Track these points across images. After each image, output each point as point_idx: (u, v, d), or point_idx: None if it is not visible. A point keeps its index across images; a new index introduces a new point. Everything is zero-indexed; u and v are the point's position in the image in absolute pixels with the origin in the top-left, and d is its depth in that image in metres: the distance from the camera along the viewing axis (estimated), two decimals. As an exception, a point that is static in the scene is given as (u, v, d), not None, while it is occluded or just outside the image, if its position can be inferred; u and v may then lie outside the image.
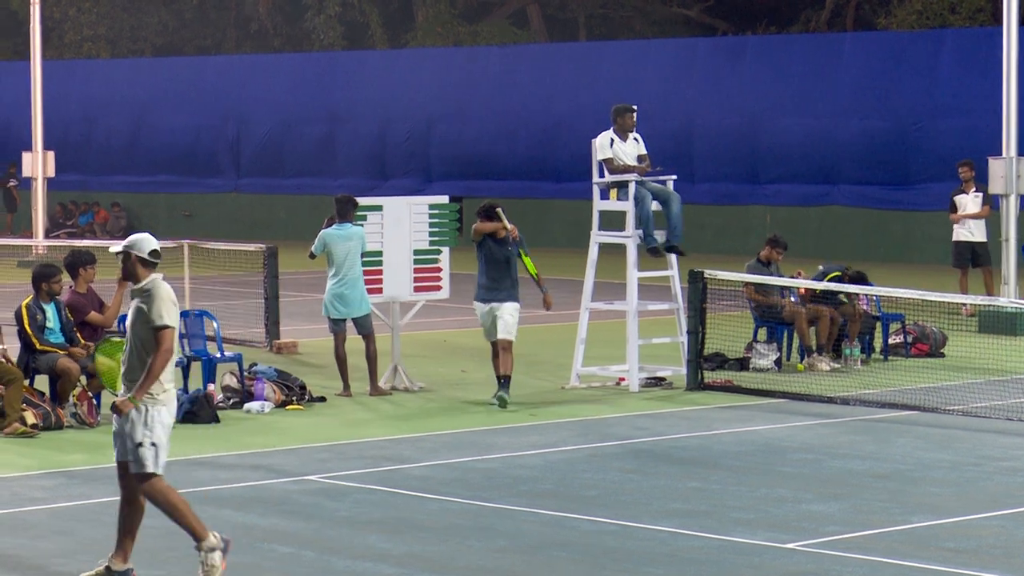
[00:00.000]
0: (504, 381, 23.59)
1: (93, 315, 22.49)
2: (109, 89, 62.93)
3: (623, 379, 25.46)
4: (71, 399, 22.04)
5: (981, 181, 34.34)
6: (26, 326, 22.10)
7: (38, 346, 22.03)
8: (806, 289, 27.71)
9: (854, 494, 18.10)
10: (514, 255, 24.09)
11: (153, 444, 14.36)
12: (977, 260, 35.06)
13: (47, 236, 48.44)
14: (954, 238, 35.31)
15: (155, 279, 14.84)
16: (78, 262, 22.72)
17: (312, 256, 25.19)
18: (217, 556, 14.38)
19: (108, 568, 14.52)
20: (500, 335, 23.76)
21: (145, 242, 14.87)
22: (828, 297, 27.85)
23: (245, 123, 60.31)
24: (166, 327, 14.47)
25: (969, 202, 35.09)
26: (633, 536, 16.16)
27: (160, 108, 61.75)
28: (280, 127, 59.39)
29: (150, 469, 14.37)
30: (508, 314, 23.82)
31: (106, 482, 18.58)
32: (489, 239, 24.09)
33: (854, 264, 30.56)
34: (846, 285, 28.10)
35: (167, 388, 14.48)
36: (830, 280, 27.84)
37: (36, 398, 22.01)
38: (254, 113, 60.08)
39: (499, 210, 24.23)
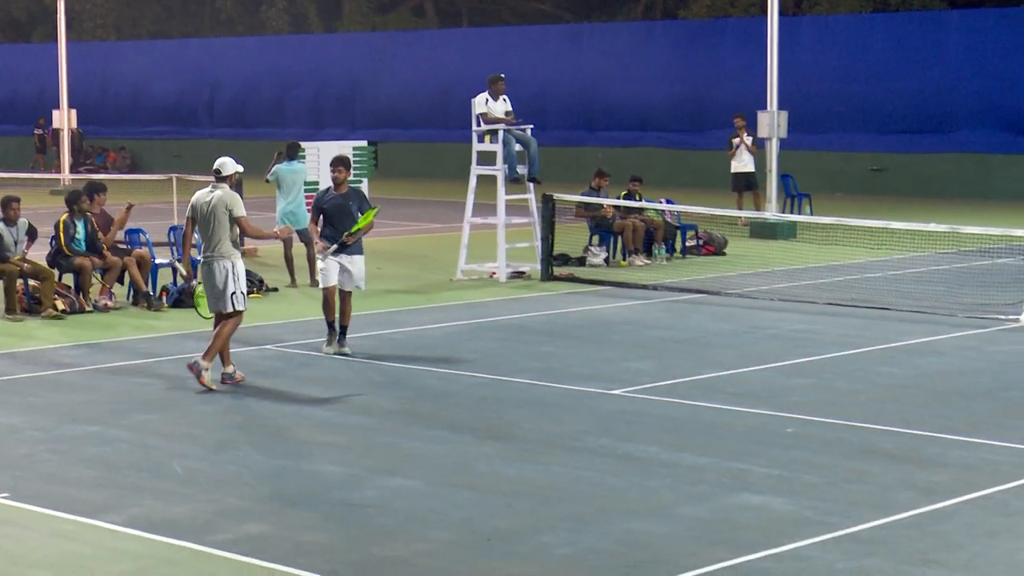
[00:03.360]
0: (344, 331, 18.22)
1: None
2: (116, 64, 62.44)
3: (495, 273, 25.50)
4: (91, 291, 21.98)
5: (751, 128, 34.58)
6: (60, 236, 21.97)
7: (66, 252, 21.92)
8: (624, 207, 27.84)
9: (661, 355, 18.24)
10: (355, 207, 18.24)
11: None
12: (749, 186, 35.33)
13: (72, 172, 47.89)
14: (732, 170, 35.57)
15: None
16: (92, 190, 22.64)
17: (267, 181, 25.43)
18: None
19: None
20: (348, 286, 18.14)
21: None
22: (638, 211, 28.08)
23: (217, 88, 59.95)
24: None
25: (742, 143, 35.37)
26: (504, 387, 16.23)
27: (154, 77, 61.32)
28: (243, 91, 59.11)
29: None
30: (358, 267, 18.16)
31: (120, 351, 18.54)
32: (332, 192, 18.44)
33: (662, 189, 30.66)
34: (655, 204, 28.26)
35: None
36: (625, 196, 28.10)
37: (64, 290, 21.89)
38: (223, 81, 59.75)
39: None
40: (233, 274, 16.24)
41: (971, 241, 28.10)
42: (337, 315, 18.15)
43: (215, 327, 16.43)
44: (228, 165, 16.56)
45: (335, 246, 17.99)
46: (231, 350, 16.68)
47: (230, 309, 16.28)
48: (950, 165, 43.21)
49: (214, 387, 15.89)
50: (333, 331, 18.19)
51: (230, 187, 16.54)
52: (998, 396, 15.66)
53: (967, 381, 16.44)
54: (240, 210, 16.37)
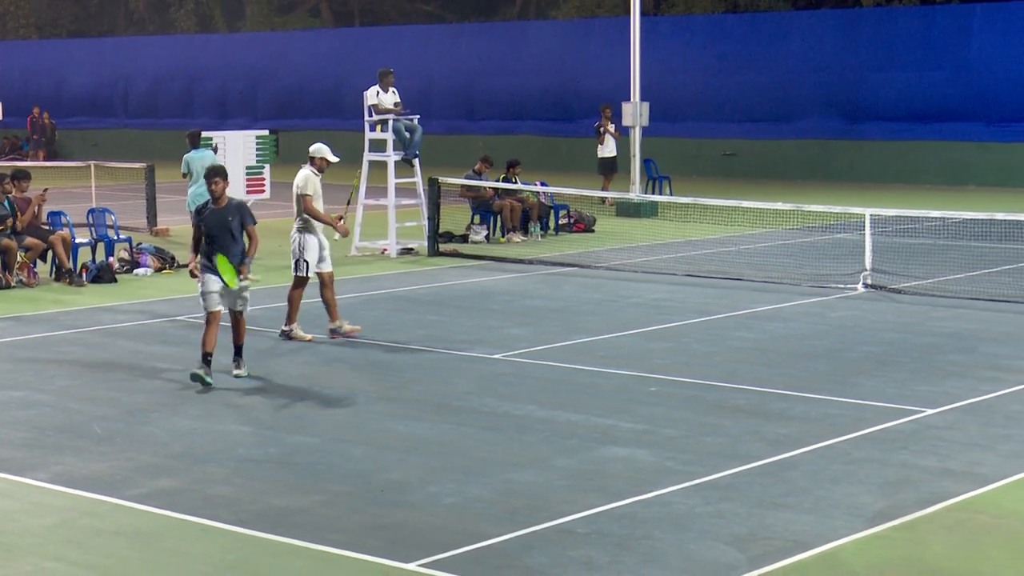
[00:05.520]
0: (238, 350, 14.98)
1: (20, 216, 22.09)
2: (39, 60, 61.50)
3: (386, 250, 25.40)
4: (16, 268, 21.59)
5: (616, 117, 34.66)
6: None
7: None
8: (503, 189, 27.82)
9: (537, 322, 18.25)
10: (236, 223, 14.83)
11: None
12: (615, 169, 35.42)
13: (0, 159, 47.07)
14: (599, 155, 35.61)
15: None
16: (17, 177, 22.28)
17: (184, 176, 24.78)
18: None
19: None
20: (241, 307, 14.79)
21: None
22: (515, 193, 28.08)
23: (131, 82, 59.19)
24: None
25: (608, 131, 35.43)
26: (395, 351, 16.17)
27: (74, 72, 60.46)
28: (155, 85, 58.43)
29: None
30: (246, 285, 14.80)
31: (43, 323, 18.24)
32: (211, 206, 14.87)
33: (537, 172, 30.63)
34: (530, 186, 28.26)
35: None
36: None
37: (-10, 267, 21.55)
38: (137, 75, 59.01)
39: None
40: (299, 244, 17.05)
41: (814, 218, 28.41)
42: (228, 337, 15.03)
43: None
44: (319, 150, 17.26)
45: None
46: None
47: (294, 274, 17.04)
48: (794, 150, 43.59)
49: (360, 327, 17.10)
50: (207, 363, 14.37)
51: (317, 170, 17.20)
52: (837, 357, 15.83)
53: (810, 344, 16.60)
54: (307, 189, 17.00)
